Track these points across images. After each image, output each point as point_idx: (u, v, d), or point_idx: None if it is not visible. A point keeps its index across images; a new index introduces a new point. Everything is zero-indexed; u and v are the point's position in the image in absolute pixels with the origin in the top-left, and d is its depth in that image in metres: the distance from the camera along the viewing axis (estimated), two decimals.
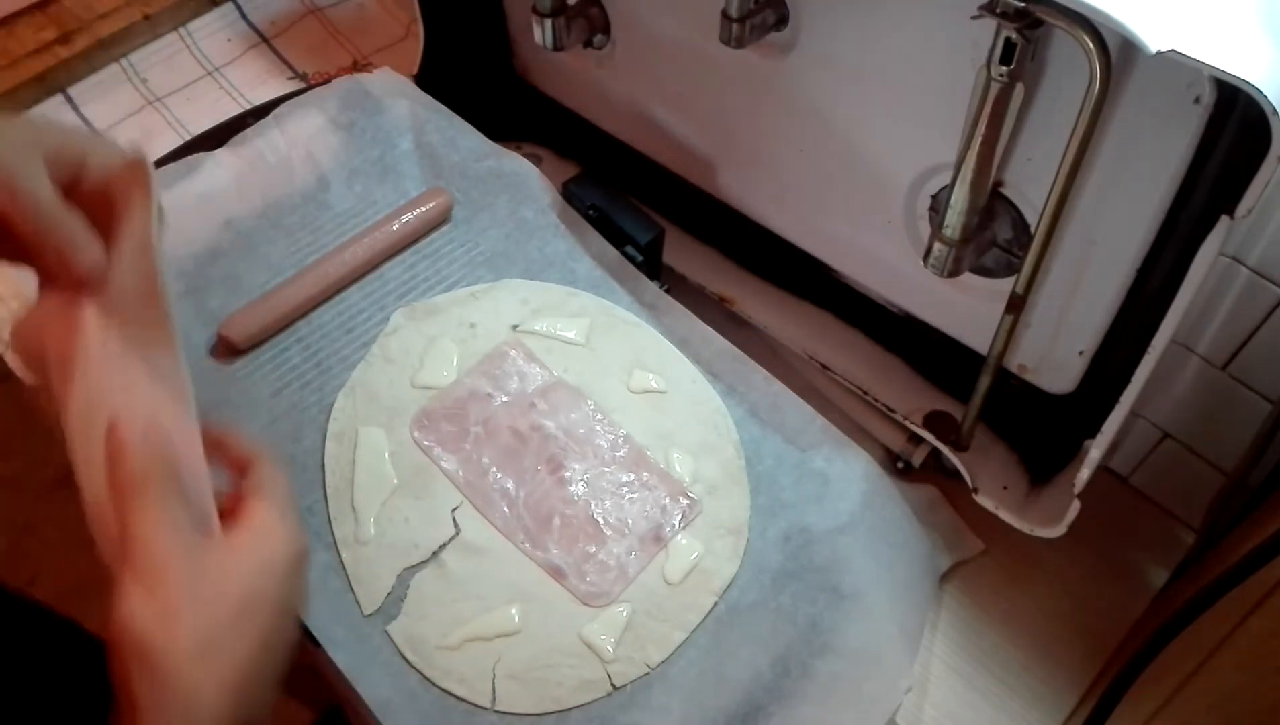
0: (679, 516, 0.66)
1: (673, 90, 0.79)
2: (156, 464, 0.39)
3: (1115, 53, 0.48)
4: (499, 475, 0.67)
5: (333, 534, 0.64)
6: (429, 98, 0.86)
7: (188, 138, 0.89)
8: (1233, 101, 0.50)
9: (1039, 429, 0.71)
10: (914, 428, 0.73)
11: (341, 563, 0.63)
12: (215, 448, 0.43)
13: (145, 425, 0.40)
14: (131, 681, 0.36)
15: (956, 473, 0.70)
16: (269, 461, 0.43)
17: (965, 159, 0.56)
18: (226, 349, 0.71)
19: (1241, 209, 0.47)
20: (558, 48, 0.76)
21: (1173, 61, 0.43)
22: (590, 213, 0.80)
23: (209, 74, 1.00)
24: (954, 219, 0.59)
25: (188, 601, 0.37)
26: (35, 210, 0.39)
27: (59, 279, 0.42)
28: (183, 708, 0.36)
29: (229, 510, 0.42)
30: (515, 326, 0.74)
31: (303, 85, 0.96)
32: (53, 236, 0.40)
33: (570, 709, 0.59)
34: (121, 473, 0.39)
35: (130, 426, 0.40)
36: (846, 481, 0.68)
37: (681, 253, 0.84)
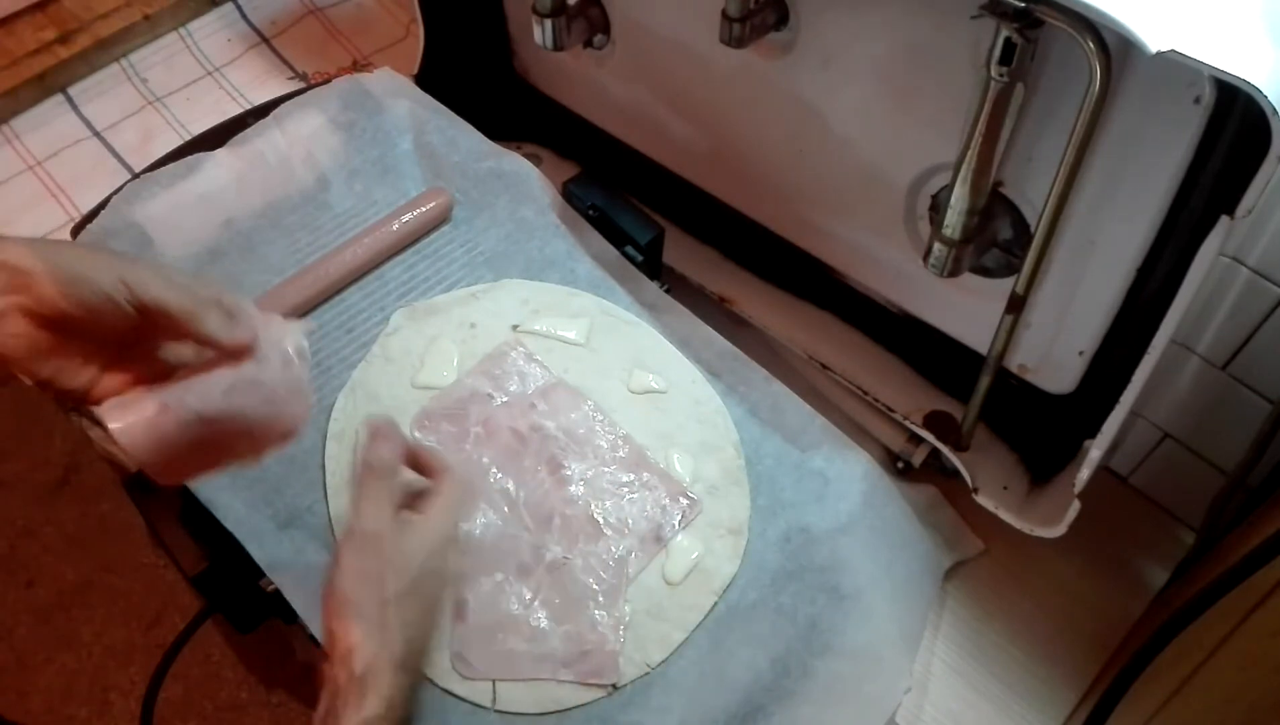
0: (679, 516, 0.66)
1: (673, 90, 0.79)
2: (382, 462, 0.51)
3: (1115, 53, 0.48)
4: (499, 475, 0.67)
5: (333, 534, 0.64)
6: (429, 98, 0.86)
7: (188, 138, 0.89)
8: (1233, 101, 0.50)
9: (1039, 429, 0.71)
10: (914, 428, 0.73)
11: None
12: (417, 459, 0.54)
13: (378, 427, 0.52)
14: (336, 626, 0.46)
15: (956, 473, 0.70)
16: (453, 473, 0.54)
17: (965, 159, 0.56)
18: None
19: (1241, 209, 0.47)
20: (558, 48, 0.76)
21: (1173, 61, 0.43)
22: (590, 213, 0.80)
23: (209, 74, 1.00)
24: (954, 219, 0.59)
25: (388, 565, 0.48)
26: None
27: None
28: (377, 644, 0.45)
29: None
30: (515, 326, 0.74)
31: (303, 85, 0.96)
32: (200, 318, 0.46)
33: (571, 709, 0.59)
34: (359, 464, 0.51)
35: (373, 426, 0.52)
36: (846, 481, 0.68)
37: (681, 253, 0.84)
